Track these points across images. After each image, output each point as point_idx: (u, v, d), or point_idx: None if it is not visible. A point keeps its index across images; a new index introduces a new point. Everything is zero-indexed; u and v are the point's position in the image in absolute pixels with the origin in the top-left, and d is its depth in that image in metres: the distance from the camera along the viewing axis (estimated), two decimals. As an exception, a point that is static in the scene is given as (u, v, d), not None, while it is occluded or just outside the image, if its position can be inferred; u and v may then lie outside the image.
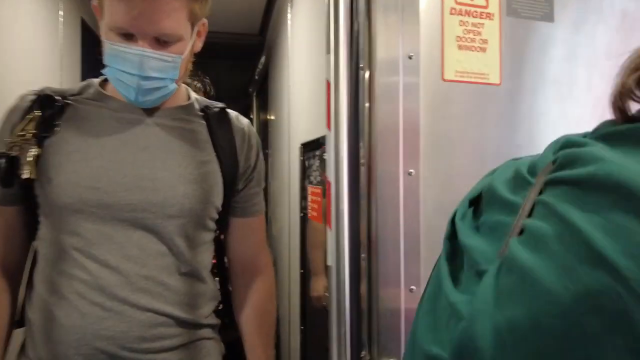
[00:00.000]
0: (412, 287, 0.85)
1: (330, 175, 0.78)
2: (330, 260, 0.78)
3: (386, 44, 0.85)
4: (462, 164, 0.90)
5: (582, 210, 0.33)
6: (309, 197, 1.53)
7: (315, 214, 1.42)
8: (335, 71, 0.79)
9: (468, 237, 0.43)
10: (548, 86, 0.97)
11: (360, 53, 0.85)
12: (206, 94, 1.73)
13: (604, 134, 0.39)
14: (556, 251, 0.32)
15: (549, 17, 0.97)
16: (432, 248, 0.87)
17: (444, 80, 0.89)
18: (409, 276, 0.85)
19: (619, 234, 0.29)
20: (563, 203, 0.35)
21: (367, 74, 0.85)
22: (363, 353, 0.85)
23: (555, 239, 0.33)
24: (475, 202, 0.47)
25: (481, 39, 0.91)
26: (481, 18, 0.91)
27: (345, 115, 0.79)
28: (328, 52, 0.79)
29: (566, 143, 0.41)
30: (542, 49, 0.97)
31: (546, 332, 0.30)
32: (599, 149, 0.36)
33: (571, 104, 1.00)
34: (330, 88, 0.78)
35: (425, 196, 0.87)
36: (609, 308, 0.28)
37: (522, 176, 0.42)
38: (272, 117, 3.03)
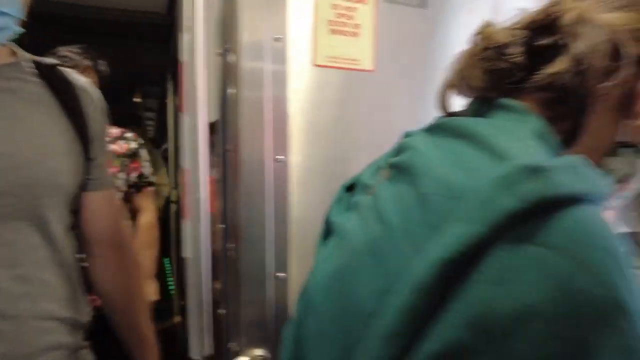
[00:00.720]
0: (280, 274, 0.83)
1: (186, 162, 0.74)
2: (188, 252, 0.74)
3: (251, 24, 0.81)
4: (336, 150, 0.89)
5: (389, 186, 0.44)
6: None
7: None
8: (191, 52, 0.74)
9: (336, 216, 0.54)
10: (423, 73, 0.99)
11: (223, 33, 0.81)
12: (98, 73, 1.58)
13: (430, 126, 0.49)
14: (365, 216, 0.44)
15: (423, 3, 0.98)
16: (303, 234, 0.86)
17: (315, 65, 0.87)
18: (278, 263, 0.83)
19: (398, 200, 0.41)
20: (384, 181, 0.46)
21: (230, 57, 0.81)
22: (232, 344, 0.83)
23: (369, 207, 0.45)
24: (353, 188, 0.57)
25: (354, 24, 0.90)
26: (354, 2, 0.90)
27: (204, 98, 0.75)
28: (182, 30, 0.74)
29: (405, 134, 0.52)
30: (417, 36, 0.98)
31: (347, 272, 0.42)
32: (414, 139, 0.47)
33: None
34: (183, 69, 0.73)
35: (296, 183, 0.85)
36: (378, 249, 0.39)
37: (380, 163, 0.53)
38: (187, 102, 2.89)
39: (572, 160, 0.35)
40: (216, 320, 0.87)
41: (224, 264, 0.85)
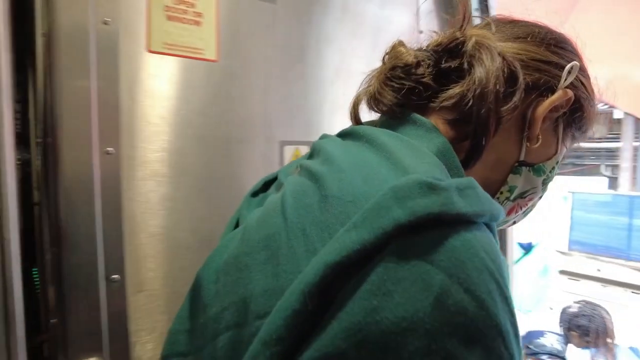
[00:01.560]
0: (114, 276, 0.77)
1: (-13, 156, 0.65)
2: (-7, 257, 0.65)
3: (74, 4, 0.74)
4: (174, 143, 0.85)
5: (296, 183, 0.42)
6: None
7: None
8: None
9: (246, 210, 0.53)
10: (271, 65, 0.99)
11: (38, 14, 0.73)
12: None
13: (344, 131, 0.50)
14: (269, 210, 0.42)
15: (271, -2, 0.98)
16: (137, 232, 0.81)
17: (150, 51, 0.82)
18: (111, 265, 0.77)
19: (300, 197, 0.39)
20: (294, 177, 0.46)
21: (47, 39, 0.73)
22: (60, 357, 0.75)
23: (271, 202, 0.44)
24: (271, 184, 0.57)
25: (195, 12, 0.87)
26: (195, -10, 0.87)
27: (7, 86, 0.66)
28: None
29: (321, 136, 0.53)
30: (264, 29, 0.98)
31: (242, 265, 0.39)
32: (326, 142, 0.48)
33: (296, 83, 1.03)
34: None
35: (129, 177, 0.80)
36: (274, 245, 0.37)
37: (298, 161, 0.52)
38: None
39: (466, 182, 0.35)
40: (50, 331, 0.79)
41: (50, 270, 0.76)
